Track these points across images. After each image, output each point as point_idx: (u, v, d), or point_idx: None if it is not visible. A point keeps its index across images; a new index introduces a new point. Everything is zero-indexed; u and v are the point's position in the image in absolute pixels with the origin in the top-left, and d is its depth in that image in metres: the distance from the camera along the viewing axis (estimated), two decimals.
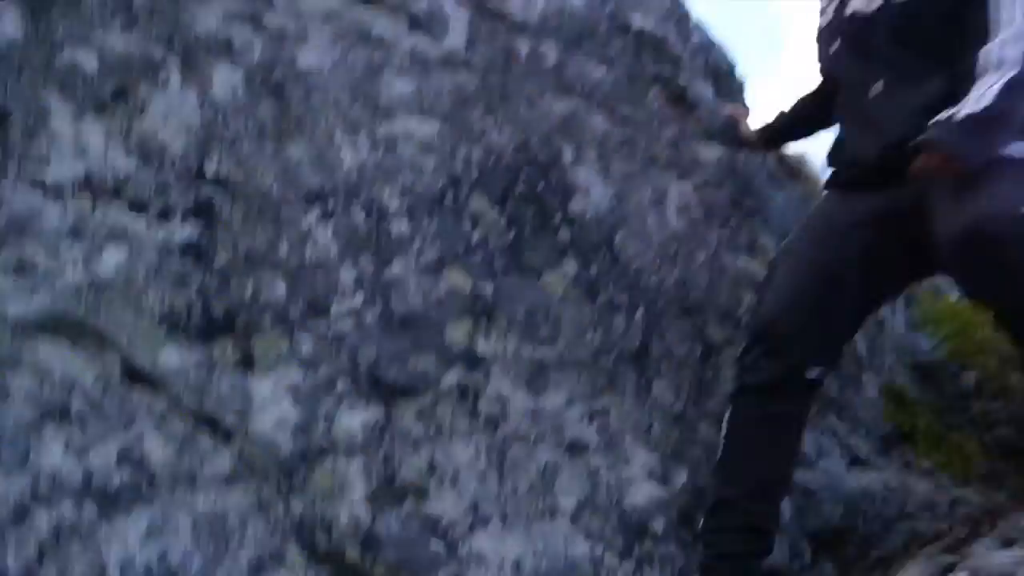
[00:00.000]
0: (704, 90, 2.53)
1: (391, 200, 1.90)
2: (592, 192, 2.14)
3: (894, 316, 2.58)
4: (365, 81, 2.03)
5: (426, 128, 2.04)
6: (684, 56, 2.53)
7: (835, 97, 1.95)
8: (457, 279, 1.85)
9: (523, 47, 2.26)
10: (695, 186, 2.30)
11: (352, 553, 1.51)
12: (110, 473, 1.44)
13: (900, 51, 1.72)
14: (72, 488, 1.40)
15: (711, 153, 2.39)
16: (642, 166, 2.25)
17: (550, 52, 2.28)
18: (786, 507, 1.90)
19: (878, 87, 1.74)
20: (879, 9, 1.75)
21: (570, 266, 2.01)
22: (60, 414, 1.45)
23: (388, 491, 1.58)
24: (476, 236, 1.95)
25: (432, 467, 1.64)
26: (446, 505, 1.61)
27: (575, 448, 1.79)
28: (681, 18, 2.64)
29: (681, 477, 1.88)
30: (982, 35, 1.56)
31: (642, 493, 1.80)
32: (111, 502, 1.42)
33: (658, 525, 1.78)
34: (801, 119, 2.24)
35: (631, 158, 2.24)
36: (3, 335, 1.44)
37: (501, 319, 1.86)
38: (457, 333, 1.80)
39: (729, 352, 2.03)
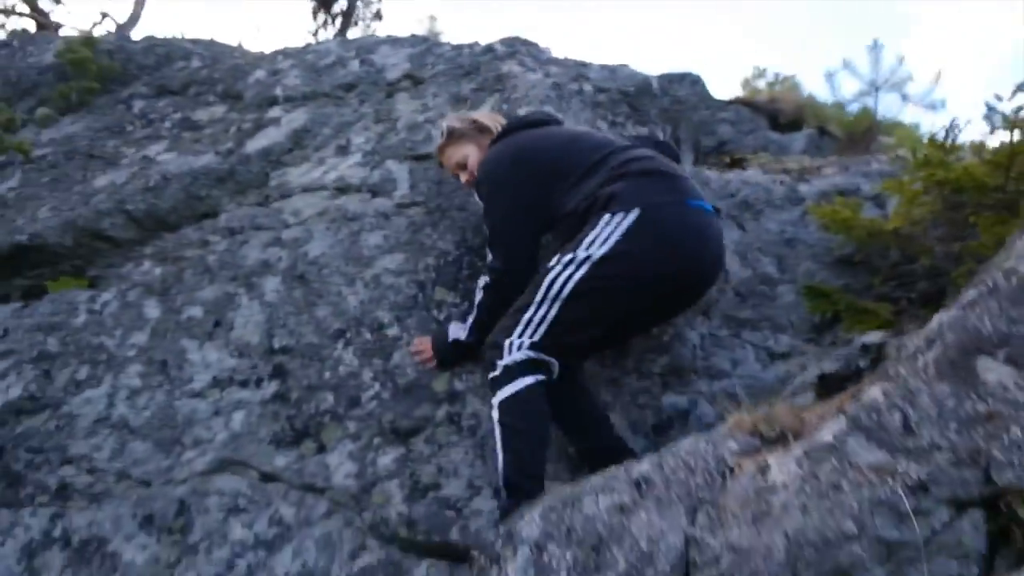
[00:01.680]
0: None
1: (384, 315, 2.98)
2: None
3: (806, 229, 3.12)
4: (351, 246, 3.15)
5: (396, 258, 3.10)
6: None
7: None
8: None
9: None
10: None
11: (403, 532, 2.55)
12: (272, 530, 2.62)
13: None
14: (257, 542, 2.60)
15: None
16: None
17: None
18: (709, 412, 2.63)
19: None
20: None
21: None
22: (237, 508, 2.67)
23: (415, 491, 2.61)
24: (442, 316, 2.95)
25: (440, 469, 2.64)
26: (452, 488, 2.60)
27: None
28: None
29: None
30: None
31: None
32: (275, 543, 2.59)
33: None
34: None
35: None
36: (195, 479, 2.71)
37: (469, 364, 2.83)
38: (440, 384, 2.81)
39: None
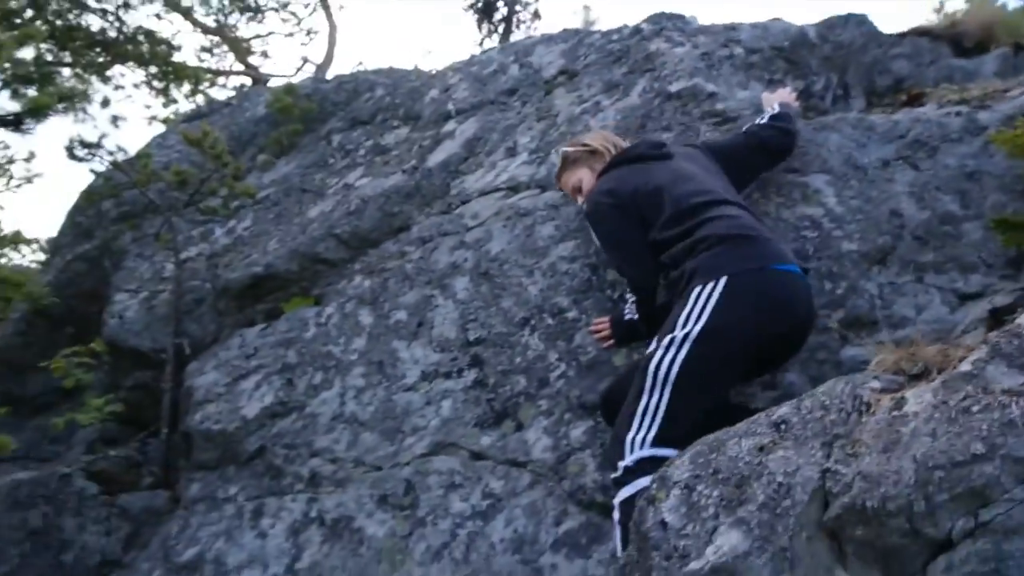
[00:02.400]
0: None
1: (562, 300, 3.21)
2: None
3: (990, 159, 2.95)
4: (526, 239, 3.41)
5: (568, 246, 3.32)
6: None
7: None
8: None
9: None
10: None
11: (599, 498, 2.77)
12: (485, 502, 2.95)
13: None
14: (474, 513, 2.94)
15: None
16: None
17: None
18: None
19: None
20: None
21: None
22: (454, 485, 3.02)
23: (607, 460, 2.82)
24: (616, 295, 3.13)
25: None
26: None
27: None
28: None
29: None
30: None
31: (761, 399, 2.72)
32: (488, 513, 2.92)
33: None
34: None
35: None
36: (416, 461, 3.10)
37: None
38: (619, 359, 2.99)
39: None
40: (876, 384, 1.49)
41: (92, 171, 4.56)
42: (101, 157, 4.21)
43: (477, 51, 6.41)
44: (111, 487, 4.19)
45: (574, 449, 2.90)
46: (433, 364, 3.31)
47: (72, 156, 3.47)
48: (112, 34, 8.65)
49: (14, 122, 2.83)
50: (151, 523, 4.02)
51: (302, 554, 3.16)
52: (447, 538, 2.93)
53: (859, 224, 2.90)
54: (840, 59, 3.90)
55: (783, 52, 3.70)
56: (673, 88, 3.50)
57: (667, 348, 2.21)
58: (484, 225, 3.58)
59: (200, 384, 3.90)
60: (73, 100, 3.10)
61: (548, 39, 4.45)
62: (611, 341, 2.96)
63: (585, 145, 3.05)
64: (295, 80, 6.83)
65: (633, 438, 2.18)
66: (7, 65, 2.59)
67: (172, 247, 4.25)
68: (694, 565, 1.33)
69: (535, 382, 3.09)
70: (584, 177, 3.01)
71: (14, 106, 2.83)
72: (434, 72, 5.16)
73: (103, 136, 3.18)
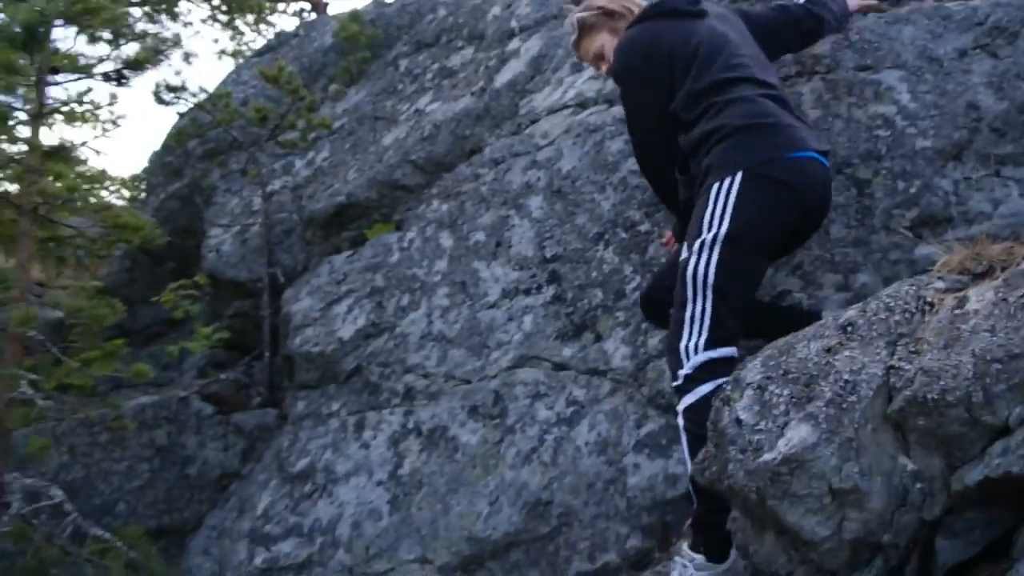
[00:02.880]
0: None
1: (634, 214, 3.29)
2: None
3: None
4: (596, 155, 3.48)
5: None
6: None
7: None
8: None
9: None
10: None
11: (673, 401, 2.91)
12: (569, 409, 3.13)
13: None
14: (559, 420, 3.13)
15: None
16: None
17: None
18: None
19: None
20: None
21: None
22: (539, 394, 3.21)
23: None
24: None
25: None
26: None
27: None
28: None
29: None
30: None
31: (833, 301, 2.78)
32: (573, 419, 3.11)
33: None
34: None
35: None
36: (503, 374, 3.30)
37: None
38: None
39: None
40: (940, 284, 1.56)
41: (178, 113, 4.78)
42: (185, 99, 4.40)
43: None
44: (224, 407, 4.58)
45: (651, 357, 3.03)
46: (513, 282, 3.46)
47: (160, 100, 3.67)
48: None
49: (116, 77, 3.02)
50: (263, 438, 4.39)
51: (403, 461, 3.44)
52: (535, 443, 3.14)
53: (933, 120, 2.86)
54: None
55: None
56: None
57: (699, 253, 2.23)
58: (554, 144, 3.65)
59: (297, 310, 4.17)
60: (165, 51, 3.27)
61: None
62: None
63: (600, 7, 2.77)
64: (356, 3, 6.86)
65: (687, 346, 2.20)
66: (106, 27, 2.77)
67: (259, 182, 4.47)
68: (767, 456, 1.46)
69: (611, 295, 3.21)
70: (605, 42, 2.75)
71: (110, 62, 3.04)
72: None
73: (185, 80, 3.33)
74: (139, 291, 5.69)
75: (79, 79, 3.05)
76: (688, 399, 2.18)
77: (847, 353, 1.51)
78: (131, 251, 5.34)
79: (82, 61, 2.99)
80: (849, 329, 1.57)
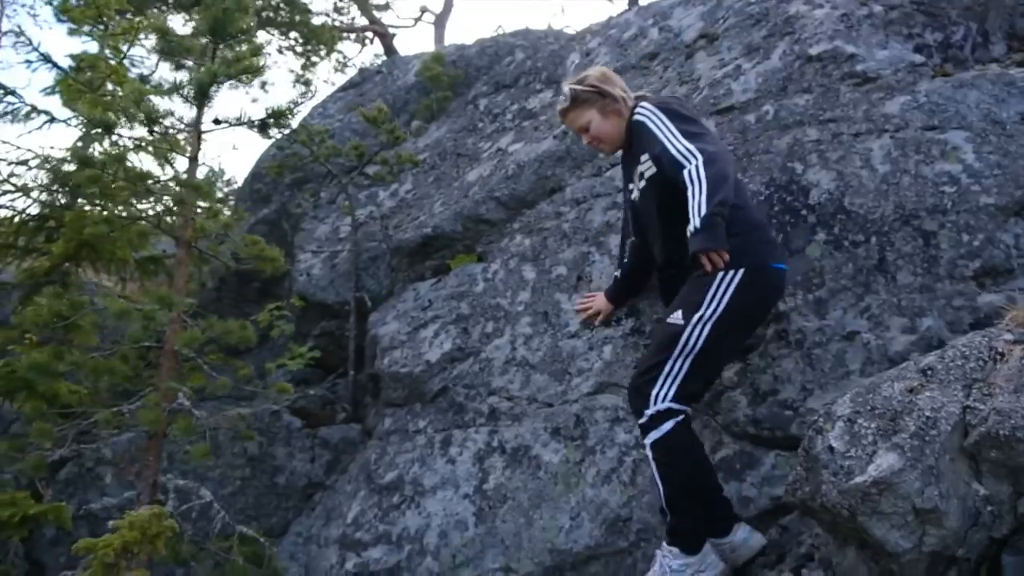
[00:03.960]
0: None
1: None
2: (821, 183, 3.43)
3: None
4: None
5: None
6: None
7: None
8: None
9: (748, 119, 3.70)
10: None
11: (751, 430, 3.16)
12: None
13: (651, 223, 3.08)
14: (637, 443, 3.39)
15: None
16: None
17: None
18: None
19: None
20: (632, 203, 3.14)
21: (820, 235, 3.35)
22: (618, 419, 3.48)
23: (756, 397, 3.19)
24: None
25: (775, 377, 3.19)
26: (788, 392, 3.14)
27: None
28: None
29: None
30: None
31: (900, 342, 3.02)
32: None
33: None
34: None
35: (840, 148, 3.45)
36: (583, 399, 3.57)
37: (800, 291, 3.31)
38: None
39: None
40: (1009, 336, 1.81)
41: (278, 147, 5.17)
42: (283, 132, 4.77)
43: (611, 10, 6.62)
44: (311, 421, 4.92)
45: (726, 388, 3.28)
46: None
47: (265, 135, 4.03)
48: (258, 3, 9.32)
49: (260, 126, 3.41)
50: (348, 451, 4.72)
51: (488, 477, 3.72)
52: (614, 464, 3.40)
53: (996, 178, 3.10)
54: (980, 6, 3.99)
55: (922, 6, 3.83)
56: (813, 51, 3.71)
57: (695, 325, 2.70)
58: None
59: (384, 332, 4.50)
60: (301, 103, 3.66)
61: (686, 1, 4.69)
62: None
63: (595, 87, 3.09)
64: (414, 36, 7.24)
65: (657, 393, 2.70)
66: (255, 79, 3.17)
67: (349, 212, 4.82)
68: (859, 479, 1.72)
69: None
70: (594, 119, 3.10)
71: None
72: (572, 34, 5.48)
73: (292, 114, 3.69)
74: (225, 309, 6.09)
75: (231, 127, 3.44)
76: (654, 435, 2.71)
77: (928, 393, 1.76)
78: (224, 273, 5.73)
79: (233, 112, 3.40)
80: (929, 373, 1.82)
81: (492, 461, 3.76)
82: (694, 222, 2.57)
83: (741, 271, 2.71)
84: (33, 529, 4.52)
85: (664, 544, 2.82)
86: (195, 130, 3.40)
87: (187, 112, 3.31)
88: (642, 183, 3.05)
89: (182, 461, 4.68)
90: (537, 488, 3.54)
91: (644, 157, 2.98)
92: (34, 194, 4.69)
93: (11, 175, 4.48)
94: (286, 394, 3.68)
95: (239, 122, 3.40)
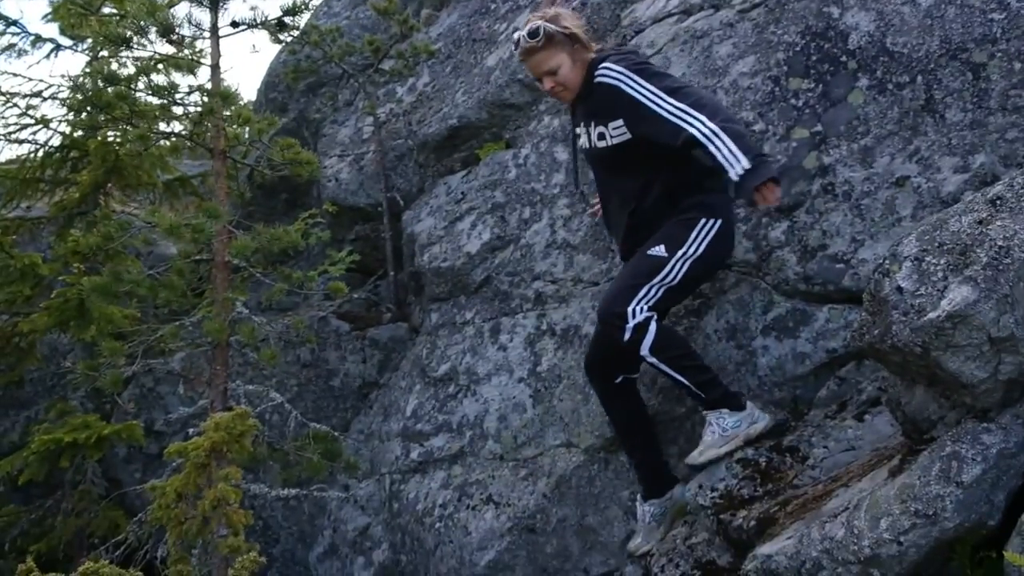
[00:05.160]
0: None
1: (747, 114, 3.46)
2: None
3: None
4: (705, 61, 3.62)
5: (748, 61, 3.51)
6: None
7: None
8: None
9: None
10: None
11: (802, 287, 3.14)
12: (697, 300, 3.39)
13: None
14: (687, 311, 3.40)
15: None
16: None
17: None
18: None
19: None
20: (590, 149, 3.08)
21: (862, 81, 3.22)
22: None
23: (806, 253, 3.16)
24: (800, 103, 3.34)
25: (824, 232, 3.14)
26: (838, 246, 3.10)
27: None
28: None
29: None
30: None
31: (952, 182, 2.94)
32: (700, 310, 3.37)
33: None
34: None
35: None
36: None
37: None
38: (810, 162, 3.25)
39: None
40: None
41: (291, 51, 5.04)
42: (293, 35, 4.64)
43: None
44: (358, 324, 5.00)
45: (773, 247, 3.25)
46: None
47: (278, 38, 3.92)
48: None
49: (278, 25, 3.29)
50: (397, 350, 4.80)
51: (540, 360, 3.78)
52: None
53: None
54: None
55: None
56: None
57: (678, 259, 2.88)
58: (661, 52, 3.80)
59: (420, 230, 4.49)
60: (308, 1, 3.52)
61: None
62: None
63: (568, 30, 2.91)
64: None
65: (634, 308, 2.84)
66: None
67: (372, 110, 4.73)
68: (931, 315, 1.71)
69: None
70: (564, 64, 2.91)
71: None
72: None
73: (307, 7, 3.55)
74: (256, 222, 6.10)
75: (249, 28, 3.34)
76: (647, 342, 2.84)
77: (999, 223, 1.72)
78: (261, 181, 5.69)
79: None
80: (999, 202, 1.77)
81: (543, 344, 3.81)
82: (736, 169, 2.63)
83: (719, 221, 2.92)
84: (106, 449, 4.73)
85: (710, 413, 2.94)
86: (214, 36, 3.30)
87: (204, 17, 3.20)
88: (604, 143, 2.99)
89: (239, 372, 4.82)
90: None
91: (616, 123, 2.91)
92: (53, 125, 4.66)
93: (28, 107, 4.43)
94: (340, 294, 3.72)
95: (255, 23, 3.29)
